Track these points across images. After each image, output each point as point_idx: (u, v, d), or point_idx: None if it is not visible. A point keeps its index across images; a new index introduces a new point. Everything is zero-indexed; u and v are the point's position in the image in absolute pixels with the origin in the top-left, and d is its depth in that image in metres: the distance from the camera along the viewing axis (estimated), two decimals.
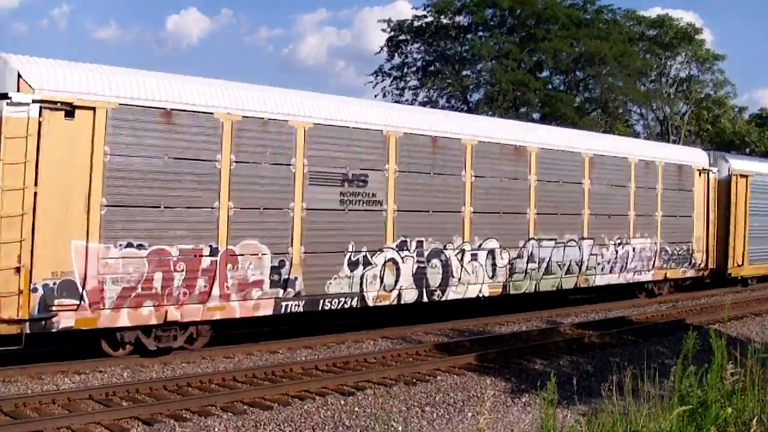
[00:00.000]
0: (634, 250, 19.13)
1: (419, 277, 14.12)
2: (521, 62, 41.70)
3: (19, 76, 9.86)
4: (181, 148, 11.14)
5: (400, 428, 8.75)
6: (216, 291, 11.46)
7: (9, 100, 9.71)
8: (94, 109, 10.34)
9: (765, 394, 7.13)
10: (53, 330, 10.12)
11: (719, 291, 22.93)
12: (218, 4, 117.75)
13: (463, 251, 14.83)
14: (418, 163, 14.18)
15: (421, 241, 14.12)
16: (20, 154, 9.75)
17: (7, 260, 9.64)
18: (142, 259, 10.72)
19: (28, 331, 9.82)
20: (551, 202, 16.81)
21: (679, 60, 51.37)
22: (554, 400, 5.90)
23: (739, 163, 23.65)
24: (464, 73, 43.58)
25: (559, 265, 16.98)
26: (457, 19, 43.51)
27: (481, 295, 15.23)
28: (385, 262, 13.58)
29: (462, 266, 14.81)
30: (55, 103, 10.03)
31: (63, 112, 10.13)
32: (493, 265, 15.46)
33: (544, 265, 16.61)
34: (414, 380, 10.73)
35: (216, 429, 8.37)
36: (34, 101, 9.85)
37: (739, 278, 23.83)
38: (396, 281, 13.78)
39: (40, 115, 9.91)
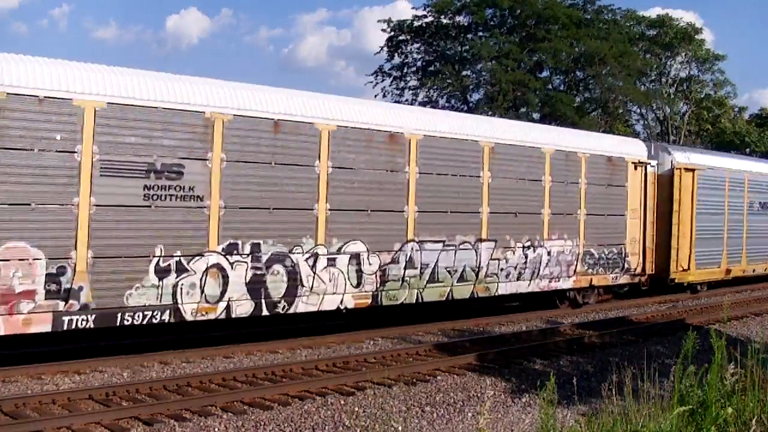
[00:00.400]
0: (549, 253, 16.70)
1: (256, 286, 11.95)
2: (521, 62, 41.71)
3: None
4: None
5: (400, 428, 8.75)
6: None
7: None
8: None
9: (765, 394, 7.13)
10: None
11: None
12: (218, 4, 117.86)
13: (315, 255, 12.63)
14: (254, 152, 11.99)
15: (258, 244, 11.98)
16: None
17: None
18: None
19: None
20: (438, 198, 14.44)
21: (679, 60, 51.42)
22: (554, 400, 5.89)
23: (683, 155, 21.20)
24: (464, 73, 43.60)
25: (449, 272, 14.61)
26: (457, 19, 43.55)
27: (342, 307, 13.07)
28: (208, 268, 11.45)
29: (315, 273, 12.63)
30: None
31: None
32: (359, 271, 13.21)
33: (429, 271, 14.27)
34: (414, 380, 10.72)
35: (216, 429, 8.37)
36: None
37: (686, 284, 21.49)
38: (223, 291, 11.62)
39: None
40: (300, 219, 12.53)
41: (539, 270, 16.51)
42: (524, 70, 41.68)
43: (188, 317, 11.33)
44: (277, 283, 12.21)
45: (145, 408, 8.83)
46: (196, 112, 11.42)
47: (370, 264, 13.44)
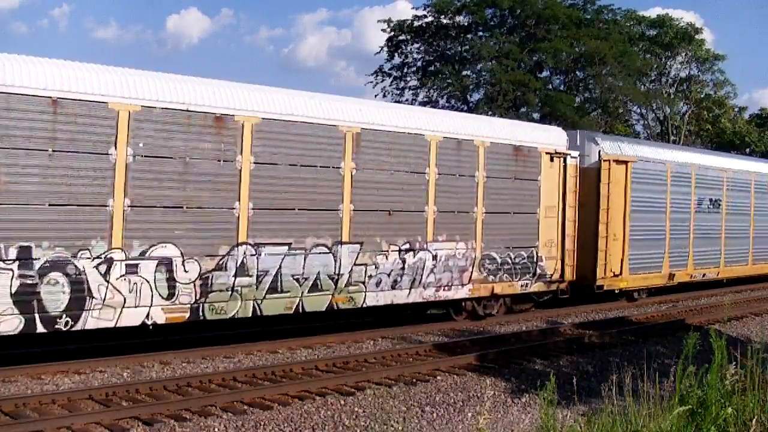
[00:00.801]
0: (435, 258, 14.41)
1: (26, 298, 9.94)
2: (521, 62, 41.70)
3: None
4: None
5: (399, 428, 8.75)
6: None
7: None
8: None
9: (765, 394, 7.13)
10: None
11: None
12: (218, 4, 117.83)
13: (110, 261, 10.63)
14: (20, 136, 9.94)
15: (28, 248, 9.96)
16: None
17: None
18: None
19: None
20: (282, 193, 12.33)
21: (679, 60, 51.41)
22: (554, 400, 5.90)
23: (613, 145, 18.81)
24: (464, 73, 43.58)
25: (297, 280, 12.48)
26: (457, 19, 43.52)
27: (149, 322, 11.06)
28: None
29: (109, 282, 10.63)
30: None
31: None
32: (171, 280, 11.20)
33: (269, 279, 12.17)
34: (414, 380, 10.72)
35: (216, 429, 8.38)
36: None
37: (617, 291, 18.97)
38: None
39: None
40: (87, 217, 10.47)
41: (422, 277, 14.22)
42: (524, 70, 41.68)
43: None
44: (55, 295, 10.18)
45: (145, 408, 8.83)
46: None
47: (186, 271, 11.35)
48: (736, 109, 55.13)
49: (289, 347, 12.81)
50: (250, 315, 12.04)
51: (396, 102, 42.28)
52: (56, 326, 10.24)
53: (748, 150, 49.04)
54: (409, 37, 44.49)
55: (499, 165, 15.70)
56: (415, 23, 43.66)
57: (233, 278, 11.82)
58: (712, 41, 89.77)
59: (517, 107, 41.05)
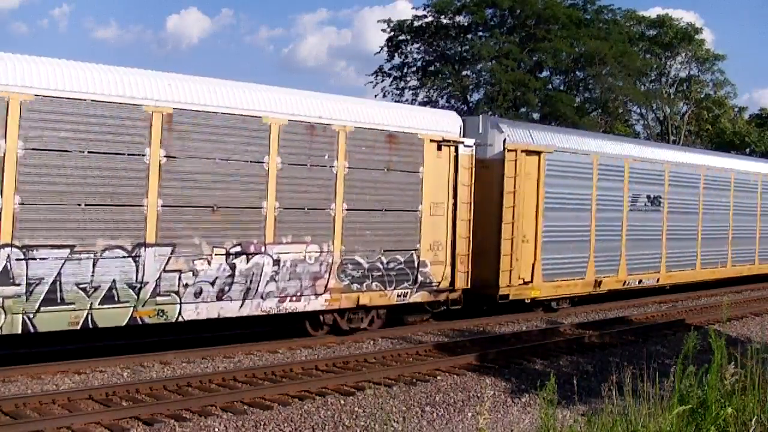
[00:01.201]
0: (277, 263, 12.22)
1: None
2: (521, 62, 41.74)
3: None
4: None
5: (399, 428, 8.76)
6: None
7: None
8: None
9: (765, 394, 7.14)
10: None
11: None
12: (218, 4, 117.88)
13: None
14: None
15: None
16: None
17: None
18: None
19: None
20: (61, 186, 10.19)
21: (679, 60, 51.46)
22: (554, 400, 5.90)
23: (522, 133, 16.19)
24: (464, 73, 43.62)
25: (85, 290, 10.38)
26: (457, 19, 43.56)
27: None
28: None
29: None
30: None
31: None
32: None
33: (44, 289, 10.04)
34: (414, 380, 10.73)
35: (216, 429, 8.38)
36: None
37: (528, 301, 16.40)
38: None
39: None
40: None
41: (258, 286, 12.05)
42: (524, 70, 41.72)
43: None
44: None
45: (145, 408, 8.84)
46: None
47: None
48: (736, 109, 55.19)
49: (289, 347, 12.81)
50: (20, 331, 9.91)
51: (396, 102, 42.28)
52: None
53: (748, 150, 49.05)
54: (409, 37, 44.52)
55: (366, 154, 13.35)
56: (415, 23, 43.69)
57: None
58: (712, 41, 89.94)
59: (517, 107, 41.09)
